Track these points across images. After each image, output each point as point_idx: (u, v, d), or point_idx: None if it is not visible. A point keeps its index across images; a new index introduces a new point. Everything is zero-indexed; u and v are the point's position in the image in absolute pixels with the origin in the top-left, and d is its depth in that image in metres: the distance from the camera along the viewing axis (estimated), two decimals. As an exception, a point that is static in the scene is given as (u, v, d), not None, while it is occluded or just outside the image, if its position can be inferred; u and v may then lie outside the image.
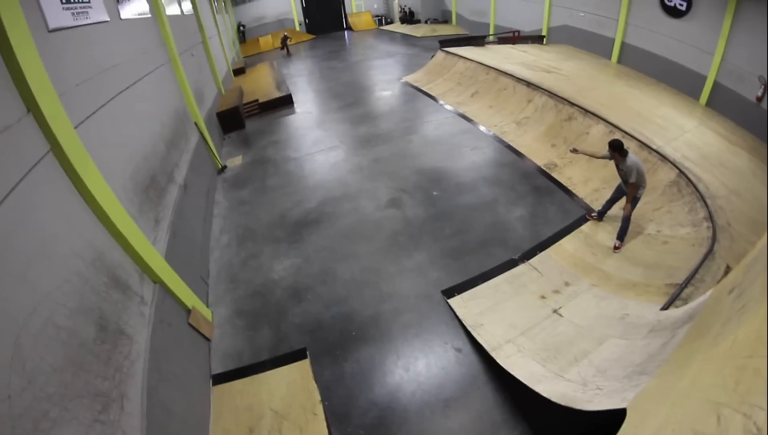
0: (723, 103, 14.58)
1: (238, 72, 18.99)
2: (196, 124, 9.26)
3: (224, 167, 10.01)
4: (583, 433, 3.62)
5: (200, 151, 8.84)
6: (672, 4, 15.79)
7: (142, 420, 3.40)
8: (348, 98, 14.39)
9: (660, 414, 2.87)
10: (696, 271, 5.94)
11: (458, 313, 5.70)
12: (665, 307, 5.38)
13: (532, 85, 12.00)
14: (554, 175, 9.15)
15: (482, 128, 11.55)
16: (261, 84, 16.32)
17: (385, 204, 8.16)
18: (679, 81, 15.76)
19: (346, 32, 30.81)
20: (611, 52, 18.48)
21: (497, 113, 12.21)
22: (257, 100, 14.08)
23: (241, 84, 16.24)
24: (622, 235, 6.96)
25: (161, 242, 5.46)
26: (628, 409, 3.24)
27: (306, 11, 29.98)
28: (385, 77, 17.16)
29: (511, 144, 10.54)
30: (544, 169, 9.39)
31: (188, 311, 5.22)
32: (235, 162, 10.34)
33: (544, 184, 8.82)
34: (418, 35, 27.16)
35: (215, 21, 16.61)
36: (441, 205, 8.08)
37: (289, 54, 24.30)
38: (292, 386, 4.86)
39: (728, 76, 14.47)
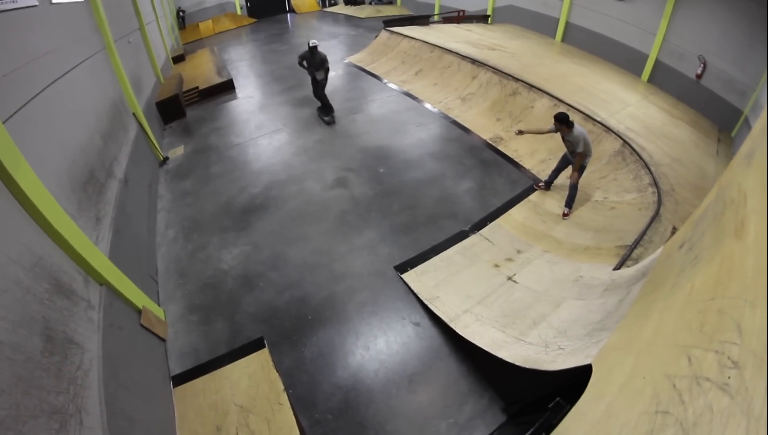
0: (664, 80, 15.30)
1: (178, 59, 18.13)
2: (134, 114, 8.71)
3: (166, 159, 9.48)
4: (551, 394, 3.56)
5: (140, 143, 8.34)
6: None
7: (104, 433, 3.08)
8: (291, 81, 13.99)
9: (626, 365, 2.91)
10: (644, 232, 6.07)
11: (413, 288, 5.60)
12: (617, 268, 5.44)
13: (477, 61, 12.00)
14: (500, 148, 9.18)
15: (427, 105, 11.50)
16: (201, 70, 15.68)
17: (332, 184, 7.96)
18: (623, 59, 16.44)
19: (289, 15, 29.82)
20: (556, 31, 18.80)
21: (442, 90, 12.16)
22: (198, 88, 13.47)
23: (181, 71, 15.52)
24: (570, 203, 7.05)
25: (104, 241, 5.03)
26: (594, 365, 3.25)
27: None
28: (328, 58, 16.87)
29: (457, 120, 10.52)
30: (491, 142, 9.42)
31: (139, 312, 4.86)
32: (177, 152, 9.84)
33: (491, 158, 8.83)
34: (362, 16, 26.80)
35: (153, 6, 15.80)
36: (388, 182, 7.97)
37: None
38: (254, 378, 4.67)
39: (669, 55, 15.14)
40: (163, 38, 16.48)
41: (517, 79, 10.81)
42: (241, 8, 28.02)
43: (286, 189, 7.87)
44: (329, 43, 19.65)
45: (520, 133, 7.22)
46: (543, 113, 9.67)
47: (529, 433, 3.27)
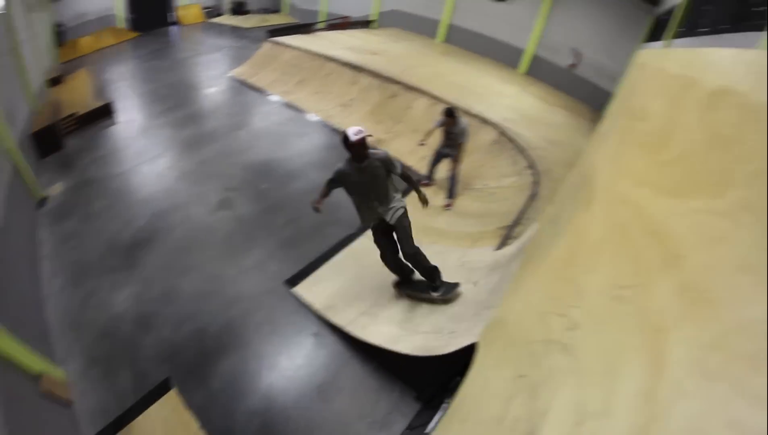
0: (541, 72, 16.65)
1: (55, 81, 16.53)
2: (8, 151, 7.83)
3: (45, 198, 8.57)
4: (458, 373, 3.67)
5: (16, 184, 7.45)
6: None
7: None
8: (172, 100, 13.34)
9: (504, 337, 3.02)
10: (523, 211, 6.40)
11: (306, 299, 5.53)
12: (500, 247, 5.70)
13: (357, 67, 12.09)
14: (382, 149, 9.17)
15: (309, 115, 11.45)
16: (80, 94, 14.43)
17: (216, 206, 7.66)
18: (502, 55, 17.64)
19: (173, 27, 28.49)
20: (437, 32, 19.63)
21: (323, 98, 12.12)
22: (76, 114, 12.38)
23: (58, 96, 14.18)
24: (451, 193, 7.35)
25: None
26: (480, 342, 3.33)
27: (131, 6, 26.96)
28: (211, 73, 16.28)
29: (338, 126, 10.53)
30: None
31: (38, 379, 4.29)
32: (56, 190, 8.94)
33: None
34: (248, 26, 26.06)
35: (27, 22, 14.36)
36: (272, 197, 7.85)
37: None
38: (168, 422, 4.40)
39: (545, 49, 16.44)
40: (38, 59, 15.09)
41: (396, 82, 11.01)
42: (124, 21, 26.41)
43: (171, 217, 7.46)
44: (213, 56, 19.05)
45: (423, 143, 7.61)
46: (421, 112, 9.94)
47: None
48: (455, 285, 4.79)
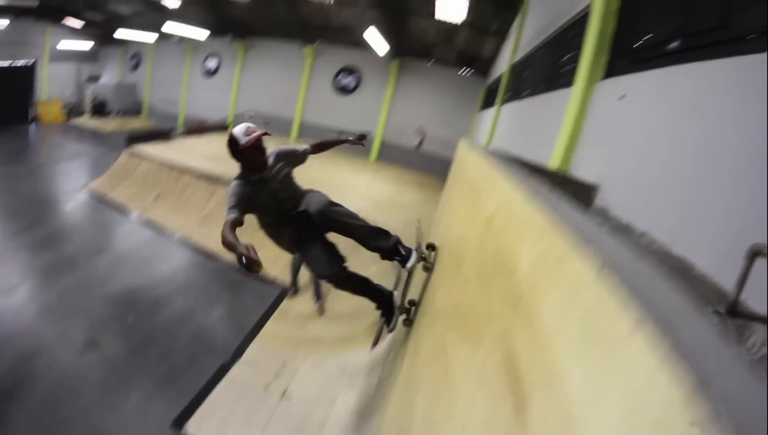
0: (391, 155, 18.45)
1: None
2: None
3: None
4: None
5: None
6: (344, 83, 19.73)
7: None
8: (28, 217, 12.21)
9: None
10: None
11: None
12: (374, 345, 5.83)
13: (212, 178, 12.15)
14: None
15: (169, 233, 11.18)
16: None
17: (83, 347, 7.05)
18: (352, 146, 18.55)
19: (32, 125, 26.17)
20: (291, 130, 20.48)
21: (182, 213, 11.94)
22: None
23: None
24: (319, 294, 7.56)
25: None
26: None
27: None
28: (69, 185, 15.21)
29: (199, 244, 10.40)
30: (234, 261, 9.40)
31: None
32: None
33: (237, 278, 8.87)
34: (108, 130, 24.94)
35: None
36: (141, 331, 7.41)
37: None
38: None
39: (392, 134, 18.30)
40: None
41: (252, 190, 11.10)
42: None
43: (35, 363, 6.74)
44: (71, 165, 17.83)
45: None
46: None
47: None
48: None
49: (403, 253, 3.77)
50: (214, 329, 7.30)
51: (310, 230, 3.68)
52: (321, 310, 7.44)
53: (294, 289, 7.98)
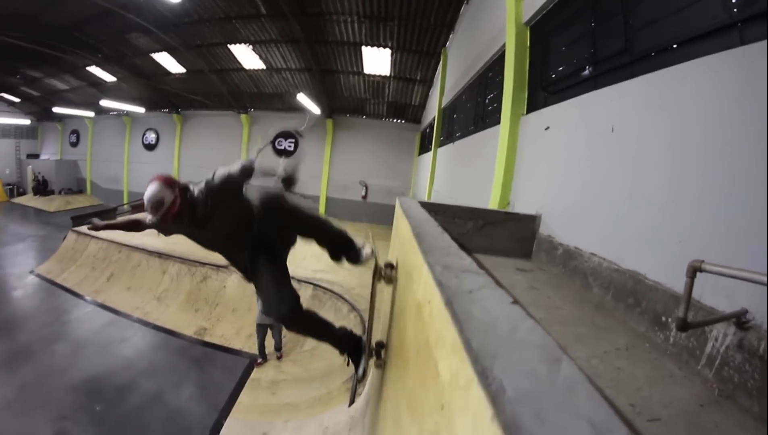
0: (337, 211, 18.82)
1: None
2: None
3: None
4: None
5: None
6: (282, 147, 19.88)
7: None
8: None
9: None
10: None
11: None
12: (352, 401, 5.94)
13: (164, 254, 12.13)
14: (207, 338, 9.38)
15: (125, 314, 10.92)
16: None
17: None
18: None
19: None
20: None
21: (136, 293, 11.75)
22: None
23: None
24: (280, 346, 8.10)
25: None
26: None
27: None
28: (15, 270, 14.50)
29: (157, 323, 10.30)
30: (196, 337, 9.52)
31: None
32: None
33: (201, 353, 8.88)
34: (52, 210, 24.32)
35: None
36: (110, 420, 7.15)
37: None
38: None
39: (336, 190, 18.76)
40: None
41: (203, 263, 11.26)
42: None
43: None
44: (15, 248, 17.04)
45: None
46: (235, 290, 10.28)
47: None
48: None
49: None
50: (187, 408, 7.20)
51: (262, 255, 3.10)
52: (281, 359, 7.97)
53: (262, 357, 8.09)
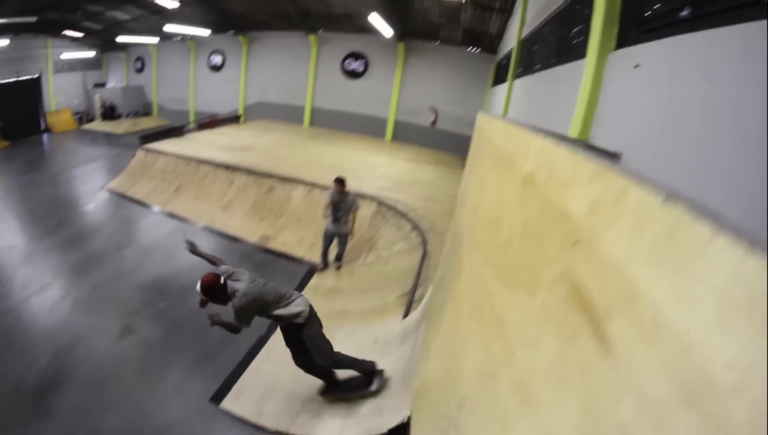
0: (406, 135, 18.13)
1: None
2: None
3: None
4: None
5: None
6: (352, 68, 19.70)
7: None
8: (53, 219, 12.46)
9: (424, 407, 3.18)
10: (419, 274, 6.78)
11: (236, 413, 5.33)
12: (406, 315, 5.96)
13: (231, 166, 12.33)
14: (270, 246, 9.54)
15: (192, 222, 11.38)
16: None
17: (119, 334, 7.23)
18: (367, 128, 19.16)
19: (45, 135, 26.34)
20: (303, 117, 20.57)
21: (203, 202, 12.14)
22: None
23: None
24: (341, 256, 8.07)
25: None
26: (412, 412, 3.53)
27: (0, 111, 24.63)
28: (88, 187, 15.42)
29: (223, 230, 10.60)
30: (260, 244, 9.73)
31: None
32: None
33: (264, 259, 9.10)
34: (120, 132, 25.32)
35: None
36: (173, 316, 7.58)
37: None
38: None
39: (405, 114, 18.20)
40: None
41: (270, 175, 11.39)
42: None
43: (75, 353, 6.91)
44: (88, 168, 18.07)
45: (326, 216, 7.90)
46: (300, 201, 10.39)
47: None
48: (381, 371, 4.74)
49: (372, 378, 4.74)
50: None
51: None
52: (339, 269, 8.02)
53: (323, 263, 8.14)
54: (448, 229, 7.88)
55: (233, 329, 4.36)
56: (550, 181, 1.70)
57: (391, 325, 5.97)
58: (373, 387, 4.67)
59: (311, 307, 4.52)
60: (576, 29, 6.28)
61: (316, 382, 5.21)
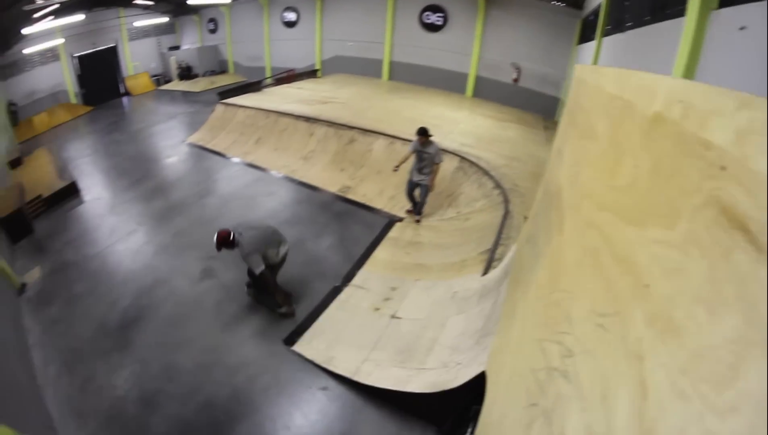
0: (487, 91, 17.53)
1: (15, 163, 15.91)
2: None
3: (24, 285, 8.27)
4: (473, 402, 3.77)
5: None
6: (430, 21, 18.89)
7: None
8: (136, 173, 13.18)
9: (507, 364, 3.09)
10: (500, 232, 6.59)
11: (306, 356, 5.50)
12: (485, 273, 5.82)
13: (311, 119, 12.36)
14: (350, 196, 9.60)
15: (272, 172, 11.58)
16: (42, 175, 13.92)
17: (199, 277, 7.58)
18: (446, 83, 18.46)
19: (125, 98, 27.88)
20: (381, 71, 20.24)
21: (283, 154, 12.29)
22: (41, 196, 11.99)
23: (20, 178, 13.69)
24: (421, 209, 8.01)
25: None
26: (487, 370, 3.44)
27: (81, 80, 26.62)
28: (170, 141, 16.19)
29: (303, 180, 10.74)
30: (340, 194, 9.80)
31: None
32: (34, 275, 8.62)
33: (343, 209, 9.19)
34: (198, 90, 26.19)
35: None
36: None
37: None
38: None
39: (486, 69, 17.40)
40: None
41: (351, 127, 11.33)
42: (76, 96, 26.08)
43: (156, 293, 7.33)
44: (168, 124, 18.95)
45: (397, 168, 7.88)
46: (381, 153, 10.31)
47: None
48: (292, 310, 6.36)
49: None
50: (324, 256, 7.55)
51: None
52: (419, 222, 7.99)
53: (418, 214, 8.19)
54: (529, 190, 7.66)
55: (250, 273, 6.48)
56: (686, 117, 1.70)
57: (470, 281, 5.85)
58: (281, 310, 6.30)
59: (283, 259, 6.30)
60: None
61: (383, 334, 5.50)
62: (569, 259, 2.70)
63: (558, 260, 2.95)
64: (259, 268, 5.81)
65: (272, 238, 6.20)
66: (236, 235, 6.00)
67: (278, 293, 6.23)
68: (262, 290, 6.54)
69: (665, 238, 1.59)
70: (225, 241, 5.98)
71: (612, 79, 2.99)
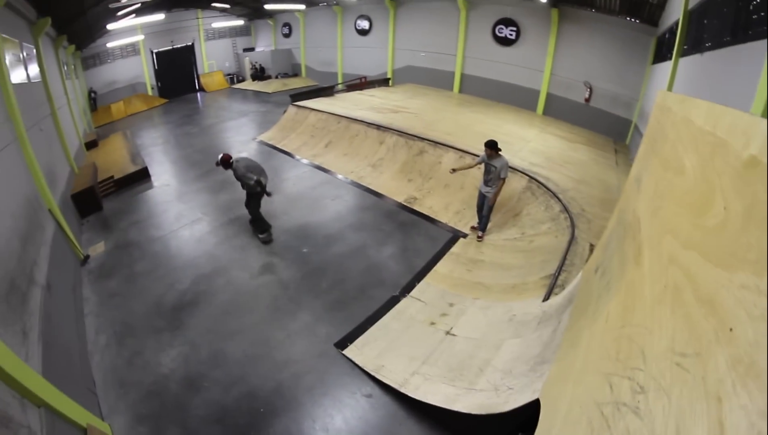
0: (557, 110, 17.17)
1: (91, 145, 16.98)
2: (50, 211, 7.98)
3: (87, 257, 8.77)
4: (515, 429, 3.82)
5: (59, 242, 7.61)
6: (503, 35, 18.68)
7: None
8: (205, 165, 13.69)
9: (566, 394, 3.02)
10: (564, 257, 6.43)
11: (356, 361, 5.52)
12: (546, 298, 5.69)
13: (382, 127, 12.47)
14: (416, 207, 9.57)
15: (340, 176, 11.72)
16: (115, 157, 14.85)
17: (259, 271, 7.78)
18: (517, 99, 18.11)
19: (198, 94, 29.30)
20: (452, 83, 20.24)
21: (352, 159, 12.44)
22: (113, 177, 12.68)
23: (95, 159, 14.61)
24: (485, 226, 7.89)
25: (35, 357, 4.49)
26: (541, 398, 3.36)
27: (158, 74, 28.25)
28: (240, 138, 16.84)
29: (370, 187, 10.82)
30: (406, 204, 9.80)
31: (84, 431, 4.41)
32: (98, 249, 9.18)
33: (408, 219, 9.18)
34: (270, 91, 27.10)
35: (65, 88, 14.97)
36: (314, 261, 7.95)
37: None
38: None
39: (558, 87, 16.97)
40: (75, 123, 15.50)
41: (422, 139, 11.34)
42: (152, 88, 27.69)
43: (214, 282, 7.60)
44: (239, 121, 19.73)
45: (454, 171, 7.93)
46: (451, 166, 10.08)
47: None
48: (269, 239, 8.66)
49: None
50: (385, 265, 7.59)
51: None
52: (481, 239, 7.93)
53: (483, 230, 8.11)
54: (596, 216, 7.50)
55: (247, 204, 8.69)
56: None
57: (530, 305, 5.75)
58: (261, 236, 8.66)
59: (260, 184, 8.24)
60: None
61: (436, 349, 5.46)
62: (646, 294, 2.63)
63: (632, 293, 2.87)
64: (252, 179, 8.03)
65: (259, 169, 8.40)
66: (234, 162, 8.23)
67: (262, 221, 8.63)
68: (253, 222, 8.87)
69: (754, 284, 1.55)
70: (225, 162, 8.28)
71: (703, 112, 2.88)
